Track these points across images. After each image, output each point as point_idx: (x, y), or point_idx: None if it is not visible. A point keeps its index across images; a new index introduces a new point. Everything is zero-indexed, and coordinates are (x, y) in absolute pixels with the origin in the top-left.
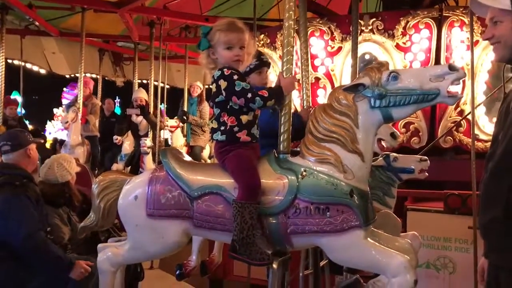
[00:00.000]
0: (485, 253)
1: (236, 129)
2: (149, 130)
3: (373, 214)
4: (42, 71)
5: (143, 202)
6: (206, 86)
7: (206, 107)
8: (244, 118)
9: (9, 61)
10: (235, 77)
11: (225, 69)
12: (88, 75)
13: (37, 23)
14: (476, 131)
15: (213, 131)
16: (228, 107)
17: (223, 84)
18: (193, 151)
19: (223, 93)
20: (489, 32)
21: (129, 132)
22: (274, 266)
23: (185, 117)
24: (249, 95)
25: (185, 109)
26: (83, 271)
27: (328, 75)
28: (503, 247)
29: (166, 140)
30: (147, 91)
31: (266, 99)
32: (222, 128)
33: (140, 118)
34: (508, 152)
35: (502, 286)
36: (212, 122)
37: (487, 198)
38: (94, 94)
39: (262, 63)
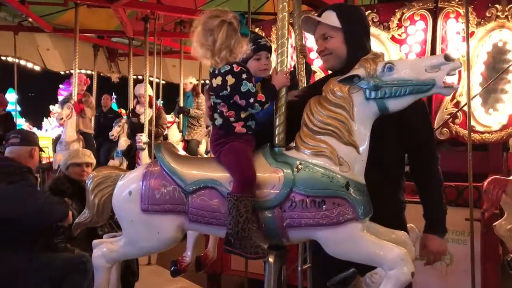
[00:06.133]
0: None
1: (232, 119)
2: (145, 125)
3: (370, 207)
4: (37, 68)
5: (138, 198)
6: (202, 81)
7: (202, 99)
8: (243, 114)
9: (3, 58)
10: (244, 76)
11: (234, 65)
12: (83, 71)
13: (30, 19)
14: (473, 123)
15: (214, 116)
16: (231, 101)
17: (230, 80)
18: (189, 145)
19: (228, 89)
20: (321, 45)
21: (125, 128)
22: (270, 260)
23: (185, 112)
24: (251, 100)
25: (181, 104)
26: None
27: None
28: None
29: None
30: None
31: (264, 103)
32: (219, 115)
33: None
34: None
35: None
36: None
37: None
38: (89, 91)
39: (259, 47)
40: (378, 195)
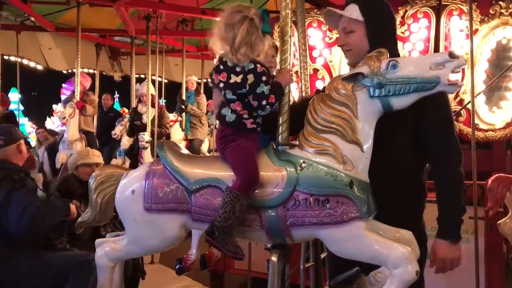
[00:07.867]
0: None
1: (245, 116)
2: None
3: (374, 206)
4: (39, 67)
5: (141, 196)
6: (205, 80)
7: (203, 99)
8: (254, 112)
9: (5, 57)
10: (264, 78)
11: (258, 65)
12: (85, 70)
13: (32, 19)
14: (476, 121)
15: (223, 112)
16: (246, 100)
17: (250, 79)
18: (192, 144)
19: (247, 87)
20: (342, 40)
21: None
22: (274, 258)
23: (183, 106)
24: (264, 102)
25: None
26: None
27: (327, 66)
28: None
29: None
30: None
31: (273, 104)
32: (232, 111)
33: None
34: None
35: None
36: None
37: None
38: (92, 90)
39: None
40: (391, 194)
